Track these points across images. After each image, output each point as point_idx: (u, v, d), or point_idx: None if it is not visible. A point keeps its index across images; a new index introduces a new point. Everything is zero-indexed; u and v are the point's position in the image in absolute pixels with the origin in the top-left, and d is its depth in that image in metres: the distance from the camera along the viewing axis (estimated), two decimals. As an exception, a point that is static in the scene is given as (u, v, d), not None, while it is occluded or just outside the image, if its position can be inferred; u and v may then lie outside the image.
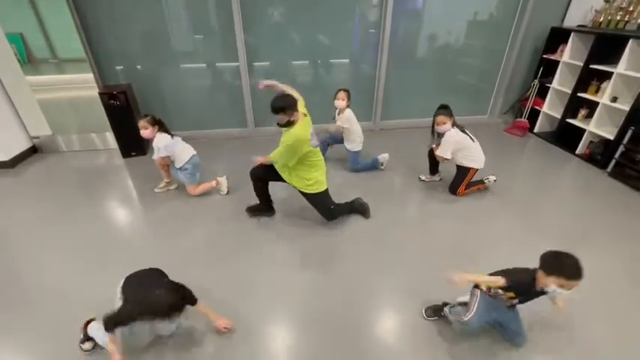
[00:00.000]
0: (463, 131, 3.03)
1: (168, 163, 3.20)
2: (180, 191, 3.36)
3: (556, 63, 4.33)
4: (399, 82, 4.67)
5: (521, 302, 1.74)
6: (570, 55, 4.15)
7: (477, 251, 2.60)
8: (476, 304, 1.77)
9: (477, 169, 3.13)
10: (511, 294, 1.67)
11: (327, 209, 2.78)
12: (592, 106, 3.95)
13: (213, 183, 3.28)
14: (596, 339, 1.95)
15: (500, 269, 1.77)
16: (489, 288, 1.75)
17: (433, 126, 3.06)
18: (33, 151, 4.18)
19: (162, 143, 2.98)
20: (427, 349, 1.89)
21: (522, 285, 1.63)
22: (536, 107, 4.71)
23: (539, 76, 4.60)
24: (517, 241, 2.71)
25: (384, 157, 3.71)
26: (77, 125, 4.15)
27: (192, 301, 1.75)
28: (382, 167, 3.74)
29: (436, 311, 2.03)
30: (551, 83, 4.43)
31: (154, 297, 1.53)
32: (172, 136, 3.06)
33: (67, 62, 3.80)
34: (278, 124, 2.43)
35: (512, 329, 1.84)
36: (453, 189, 3.24)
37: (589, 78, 3.96)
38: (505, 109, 5.09)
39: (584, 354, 1.87)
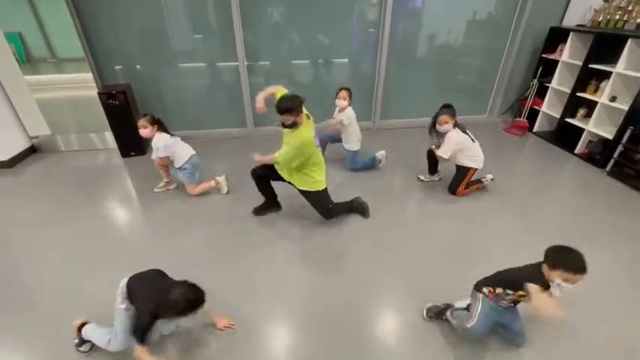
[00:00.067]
0: (464, 132, 3.03)
1: (167, 163, 3.20)
2: (179, 191, 3.35)
3: (555, 62, 4.34)
4: (398, 82, 4.67)
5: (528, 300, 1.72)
6: (569, 55, 4.16)
7: (476, 251, 2.60)
8: (479, 310, 1.76)
9: (477, 169, 3.14)
10: (522, 292, 1.67)
11: (326, 208, 2.78)
12: (591, 105, 3.96)
13: (213, 183, 3.27)
14: (595, 339, 1.95)
15: (505, 268, 1.77)
16: (492, 291, 1.75)
17: (434, 125, 3.06)
18: (32, 150, 4.18)
19: (161, 143, 2.97)
20: (427, 349, 1.90)
21: (535, 282, 1.62)
22: (536, 107, 4.71)
23: (538, 75, 4.61)
24: (516, 240, 2.72)
25: (381, 154, 3.72)
26: (76, 125, 4.14)
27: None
28: (381, 165, 3.75)
29: (438, 314, 2.01)
30: (550, 83, 4.44)
31: (175, 296, 1.51)
32: (172, 135, 3.06)
33: (66, 62, 3.79)
34: (283, 124, 2.43)
35: (513, 329, 1.84)
36: (453, 189, 3.24)
37: (588, 77, 3.96)
38: (504, 108, 5.09)
39: (584, 354, 1.88)
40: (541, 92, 4.63)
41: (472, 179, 3.21)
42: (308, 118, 2.47)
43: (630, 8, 3.71)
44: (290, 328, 2.05)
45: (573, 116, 4.23)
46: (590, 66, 3.86)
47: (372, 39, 4.37)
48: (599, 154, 3.84)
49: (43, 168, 3.88)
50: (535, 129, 4.75)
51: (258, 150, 2.52)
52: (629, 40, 3.42)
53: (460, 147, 3.02)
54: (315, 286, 2.31)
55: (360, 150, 3.64)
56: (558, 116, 4.36)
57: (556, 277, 1.51)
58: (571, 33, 4.08)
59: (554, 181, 3.67)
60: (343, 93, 3.37)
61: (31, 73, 3.76)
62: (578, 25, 4.25)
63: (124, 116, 3.80)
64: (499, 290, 1.72)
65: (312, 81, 4.59)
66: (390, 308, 2.17)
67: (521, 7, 4.36)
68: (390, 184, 3.53)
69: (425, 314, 2.04)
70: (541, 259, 1.60)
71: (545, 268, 1.56)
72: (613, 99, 3.66)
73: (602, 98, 3.76)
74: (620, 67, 3.53)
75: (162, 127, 3.03)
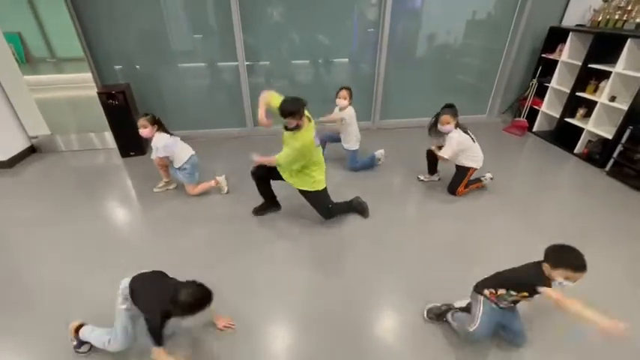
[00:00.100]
0: (465, 132, 3.03)
1: (166, 164, 3.20)
2: (179, 191, 3.35)
3: (555, 62, 4.34)
4: (397, 82, 4.67)
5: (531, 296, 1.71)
6: (569, 55, 4.16)
7: (476, 251, 2.60)
8: (480, 313, 1.76)
9: (476, 169, 3.14)
10: (525, 293, 1.67)
11: (326, 208, 2.79)
12: (590, 105, 3.96)
13: (212, 182, 3.27)
14: (595, 338, 1.95)
15: (503, 269, 1.77)
16: (493, 293, 1.75)
17: (434, 124, 3.05)
18: (31, 150, 4.17)
19: (161, 143, 2.97)
20: (427, 349, 1.90)
21: (539, 283, 1.61)
22: (535, 107, 4.72)
23: (537, 75, 4.61)
24: (516, 240, 2.72)
25: (380, 152, 3.73)
26: (76, 125, 4.14)
27: None
28: (380, 163, 3.76)
29: (439, 316, 2.00)
30: (549, 83, 4.44)
31: (184, 295, 1.52)
32: (171, 135, 3.06)
33: (66, 62, 3.79)
34: (286, 127, 2.43)
35: (514, 329, 1.84)
36: (452, 189, 3.24)
37: (587, 77, 3.96)
38: (504, 108, 5.10)
39: (584, 354, 1.88)
40: (540, 92, 4.64)
41: (471, 178, 3.22)
42: (309, 120, 2.48)
43: (629, 8, 3.71)
44: (290, 328, 2.05)
45: (573, 116, 4.23)
46: (589, 66, 3.86)
47: (372, 39, 4.37)
48: (599, 153, 3.84)
49: (42, 168, 3.88)
50: (534, 129, 4.75)
51: (257, 150, 2.52)
52: (629, 40, 3.42)
53: (461, 147, 3.02)
54: (314, 286, 2.31)
55: (360, 149, 3.64)
56: (558, 116, 4.36)
57: (558, 276, 1.53)
58: (570, 33, 4.08)
59: (554, 180, 3.67)
60: (344, 92, 3.38)
61: (30, 73, 3.76)
62: (577, 25, 4.25)
63: (124, 116, 3.80)
64: (502, 292, 1.72)
65: (311, 81, 4.59)
66: (389, 308, 2.17)
67: (521, 6, 4.36)
68: (389, 184, 3.53)
69: (425, 315, 2.03)
70: (541, 258, 1.61)
71: (546, 268, 1.56)
72: (612, 99, 3.66)
73: (601, 98, 3.76)
74: (620, 67, 3.53)
75: (162, 127, 3.03)
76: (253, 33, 4.10)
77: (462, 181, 3.17)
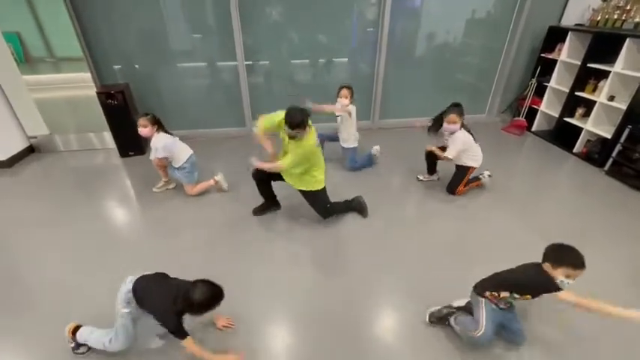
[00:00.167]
0: (469, 131, 3.03)
1: (165, 164, 3.19)
2: (178, 190, 3.35)
3: (554, 62, 4.35)
4: (397, 81, 4.67)
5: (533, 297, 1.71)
6: (568, 54, 4.17)
7: (475, 250, 2.61)
8: (484, 318, 1.76)
9: (476, 168, 3.15)
10: (528, 296, 1.68)
11: (324, 207, 2.80)
12: (589, 104, 3.96)
13: (211, 182, 3.27)
14: (595, 338, 1.96)
15: (501, 270, 1.78)
16: (496, 295, 1.76)
17: (437, 123, 3.05)
18: (30, 150, 4.17)
19: (160, 143, 2.97)
20: (427, 349, 1.90)
21: (548, 286, 1.61)
22: (534, 106, 4.72)
23: (536, 75, 4.61)
24: (515, 239, 2.72)
25: (375, 149, 3.75)
26: (75, 125, 4.13)
27: None
28: (377, 159, 3.78)
29: (440, 319, 1.98)
30: (548, 82, 4.45)
31: (198, 293, 1.56)
32: (171, 135, 3.06)
33: (65, 61, 3.78)
34: (292, 137, 2.42)
35: (513, 329, 1.85)
36: (451, 188, 3.25)
37: (586, 77, 3.97)
38: (503, 108, 5.10)
39: (584, 354, 1.88)
40: (540, 91, 4.64)
41: (470, 177, 3.22)
42: (310, 127, 2.49)
43: (628, 8, 3.72)
44: (289, 327, 2.05)
45: (572, 115, 4.24)
46: (588, 65, 3.86)
47: (371, 38, 4.37)
48: (598, 153, 3.85)
49: (41, 168, 3.88)
50: (534, 128, 4.76)
51: (257, 151, 2.52)
52: (628, 40, 3.43)
53: (466, 147, 3.02)
54: (314, 286, 2.31)
55: (357, 148, 3.64)
56: (557, 115, 4.36)
57: (559, 275, 1.54)
58: (569, 32, 4.08)
59: (553, 180, 3.68)
60: (345, 91, 3.38)
61: (29, 73, 3.75)
62: (576, 25, 4.25)
63: (123, 116, 3.80)
64: (505, 294, 1.73)
65: (311, 80, 4.59)
66: (389, 308, 2.18)
67: (520, 6, 4.36)
68: (388, 184, 3.53)
69: (427, 319, 2.01)
70: (540, 258, 1.62)
71: (547, 267, 1.57)
72: (611, 98, 3.67)
73: (600, 97, 3.77)
74: (619, 67, 3.54)
75: (161, 127, 3.03)
76: (252, 32, 4.10)
77: (461, 180, 3.18)
